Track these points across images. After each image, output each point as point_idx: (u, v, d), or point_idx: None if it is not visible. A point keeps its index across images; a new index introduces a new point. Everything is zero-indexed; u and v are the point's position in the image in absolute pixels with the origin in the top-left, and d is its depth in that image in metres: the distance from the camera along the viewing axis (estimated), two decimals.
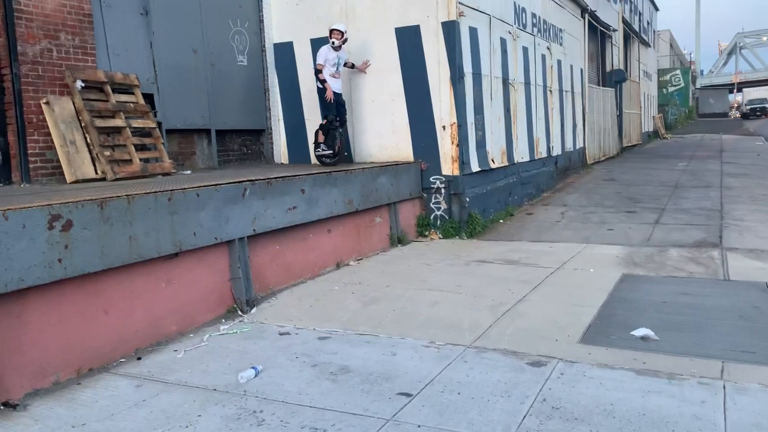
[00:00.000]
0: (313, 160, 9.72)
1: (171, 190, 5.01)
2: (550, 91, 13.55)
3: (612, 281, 6.34)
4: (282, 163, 10.08)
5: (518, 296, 5.89)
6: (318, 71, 8.54)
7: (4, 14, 6.40)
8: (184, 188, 5.14)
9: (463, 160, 9.01)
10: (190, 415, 3.69)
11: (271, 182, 6.11)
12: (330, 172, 7.12)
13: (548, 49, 13.36)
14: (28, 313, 4.04)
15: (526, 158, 11.91)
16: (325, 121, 8.70)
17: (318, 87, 8.70)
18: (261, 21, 9.93)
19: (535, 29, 12.55)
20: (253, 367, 4.26)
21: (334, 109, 8.64)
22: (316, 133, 8.85)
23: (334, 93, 8.57)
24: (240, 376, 4.16)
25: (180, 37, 8.51)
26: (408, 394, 3.86)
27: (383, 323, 5.25)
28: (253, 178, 5.94)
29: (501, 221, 10.03)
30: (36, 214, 3.96)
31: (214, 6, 9.06)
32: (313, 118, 9.74)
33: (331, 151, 8.66)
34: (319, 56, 8.53)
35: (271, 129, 10.17)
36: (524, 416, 3.55)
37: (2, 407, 3.83)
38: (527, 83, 11.97)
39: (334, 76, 8.63)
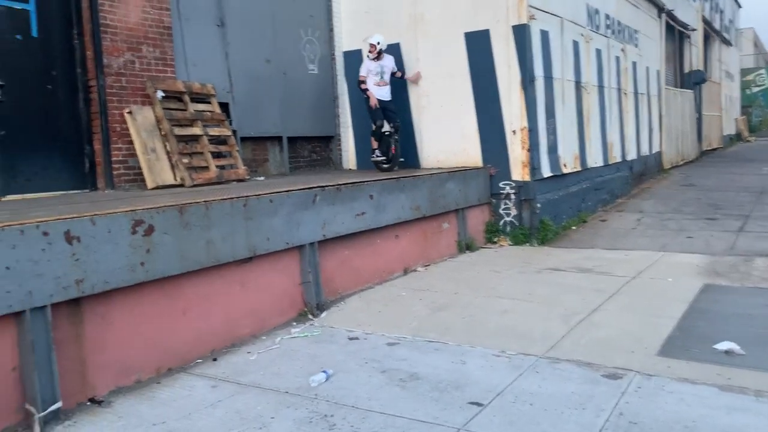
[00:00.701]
0: None
1: (246, 197, 5.15)
2: (625, 93, 13.13)
3: (692, 291, 6.06)
4: (350, 169, 10.19)
5: (592, 306, 5.73)
6: (360, 82, 9.04)
7: (92, 29, 6.76)
8: (258, 194, 5.27)
9: (533, 165, 8.85)
10: (264, 417, 3.76)
11: (341, 188, 6.18)
12: (398, 178, 7.14)
13: (623, 50, 12.96)
14: (112, 314, 4.24)
15: (600, 163, 11.58)
16: (374, 127, 8.96)
17: (364, 97, 9.06)
18: (331, 30, 10.10)
19: (609, 31, 12.20)
20: (323, 371, 4.31)
21: (382, 115, 8.90)
22: (371, 139, 9.09)
23: (381, 100, 8.91)
24: (311, 380, 4.22)
25: (254, 48, 8.75)
26: (479, 404, 3.81)
27: (452, 331, 5.21)
28: (323, 184, 6.04)
29: (573, 228, 9.79)
30: (120, 220, 4.15)
31: (286, 16, 9.29)
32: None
33: (384, 157, 8.90)
34: (361, 68, 9.07)
35: (340, 135, 10.31)
36: (600, 430, 3.44)
37: (88, 403, 4.03)
38: (601, 86, 11.65)
39: (378, 85, 8.96)
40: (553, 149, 9.56)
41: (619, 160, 12.72)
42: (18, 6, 6.36)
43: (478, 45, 8.99)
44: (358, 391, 4.07)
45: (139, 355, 4.41)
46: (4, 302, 3.52)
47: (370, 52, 8.95)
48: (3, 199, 6.16)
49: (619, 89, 12.75)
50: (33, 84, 6.49)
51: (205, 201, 4.77)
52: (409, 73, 9.48)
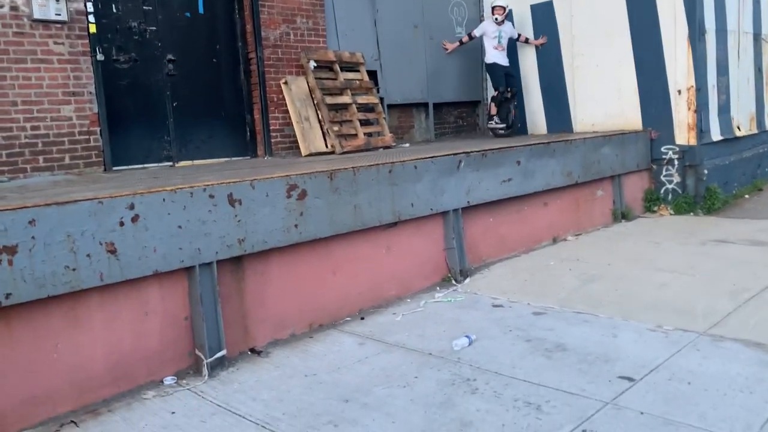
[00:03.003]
0: (531, 131, 9.50)
1: (392, 163, 5.24)
2: None
3: None
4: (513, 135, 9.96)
5: (765, 282, 5.18)
6: (468, 35, 9.18)
7: (251, 3, 7.16)
8: (403, 161, 5.33)
9: (701, 128, 8.09)
10: (407, 375, 3.86)
11: (486, 154, 6.07)
12: (548, 142, 6.87)
13: None
14: (270, 272, 4.53)
15: None
16: (496, 93, 8.79)
17: (486, 63, 8.99)
18: None
19: None
20: (466, 336, 4.32)
21: (504, 81, 8.74)
22: (489, 105, 8.97)
23: (501, 65, 8.80)
24: (454, 344, 4.24)
25: (401, 14, 8.79)
26: (630, 378, 3.62)
27: (603, 303, 4.98)
28: (468, 150, 5.96)
29: (746, 196, 8.87)
30: (276, 184, 4.40)
31: None
32: (530, 88, 9.46)
33: (504, 124, 8.76)
34: (477, 28, 9.02)
35: (486, 101, 10.10)
36: None
37: (249, 353, 4.37)
38: None
39: (496, 49, 8.78)
40: (724, 110, 8.67)
41: None
42: None
43: None
44: (502, 358, 4.03)
45: (293, 310, 4.69)
46: (177, 258, 3.90)
47: (496, 13, 8.76)
48: (177, 165, 6.79)
49: None
50: (200, 58, 7.03)
51: (353, 167, 4.91)
52: (539, 39, 9.25)
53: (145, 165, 6.58)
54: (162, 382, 3.95)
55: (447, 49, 9.36)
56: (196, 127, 6.98)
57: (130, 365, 3.86)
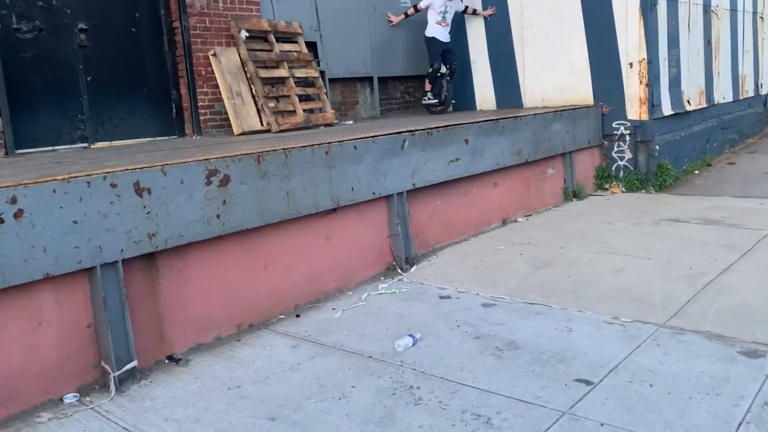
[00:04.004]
0: (479, 106, 9.14)
1: (328, 143, 4.75)
2: (761, 18, 11.49)
3: None
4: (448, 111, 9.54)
5: (723, 265, 4.95)
6: (413, 8, 8.70)
7: None
8: (342, 140, 4.85)
9: (652, 102, 7.86)
10: (344, 385, 3.44)
11: (432, 132, 5.65)
12: (497, 119, 6.48)
13: None
14: (189, 269, 4.02)
15: (729, 98, 10.26)
16: (431, 69, 8.53)
17: (426, 36, 8.61)
18: None
19: None
20: (410, 335, 3.92)
21: (440, 58, 8.46)
22: (424, 81, 8.73)
23: (441, 41, 8.46)
24: (397, 345, 3.84)
25: None
26: (588, 382, 3.29)
27: (557, 291, 4.65)
28: (413, 129, 5.52)
29: (696, 172, 8.75)
30: (194, 169, 3.87)
31: None
32: (480, 61, 9.06)
33: (436, 100, 8.55)
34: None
35: None
36: (740, 423, 2.84)
37: (167, 360, 3.87)
38: (733, 9, 10.20)
39: (439, 24, 8.40)
40: (675, 84, 8.46)
41: (751, 94, 11.26)
42: None
43: None
44: (449, 360, 3.66)
45: (219, 311, 4.20)
46: (73, 258, 3.35)
47: None
48: (93, 146, 6.13)
49: (754, 12, 11.15)
50: (117, 27, 6.34)
51: (284, 149, 4.41)
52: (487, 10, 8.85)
53: (56, 147, 5.91)
54: (62, 400, 3.43)
55: (392, 22, 8.87)
56: (115, 104, 6.31)
57: (22, 383, 3.32)
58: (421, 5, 8.58)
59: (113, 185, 3.50)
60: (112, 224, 3.50)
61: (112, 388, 3.50)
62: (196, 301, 4.07)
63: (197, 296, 4.07)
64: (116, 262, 3.53)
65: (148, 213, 3.65)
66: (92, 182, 3.41)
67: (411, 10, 8.75)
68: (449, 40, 8.59)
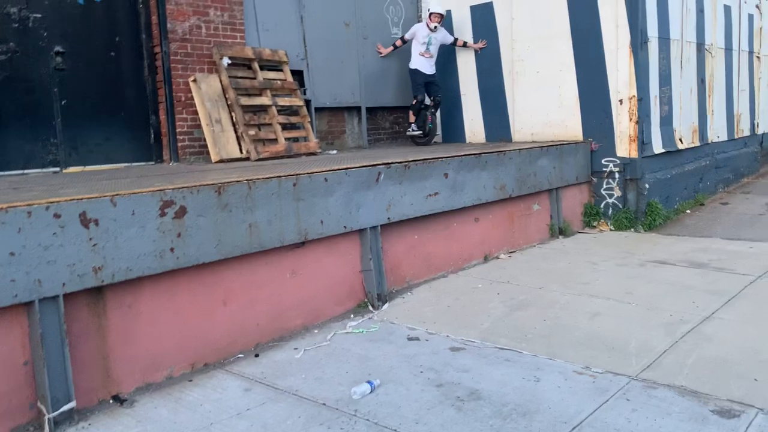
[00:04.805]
0: (469, 139, 9.04)
1: (296, 175, 4.60)
2: (758, 57, 11.43)
3: None
4: (435, 143, 9.42)
5: (705, 312, 4.75)
6: (401, 39, 8.76)
7: None
8: (311, 172, 4.70)
9: (642, 140, 7.72)
10: None
11: (410, 165, 5.50)
12: (479, 153, 6.34)
13: (757, 7, 11.23)
14: (140, 304, 3.84)
15: (723, 137, 10.12)
16: (414, 101, 8.54)
17: (409, 68, 8.61)
18: None
19: None
20: (368, 382, 3.72)
21: (423, 90, 8.46)
22: (409, 113, 8.76)
23: (424, 73, 8.45)
24: (353, 391, 3.64)
25: (331, 10, 8.18)
26: None
27: (529, 336, 4.45)
28: (389, 161, 5.38)
29: (688, 212, 8.57)
30: (146, 200, 3.72)
31: None
32: (469, 93, 8.98)
33: (420, 132, 8.56)
34: (409, 31, 8.58)
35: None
36: None
37: (111, 401, 3.68)
38: (728, 49, 10.12)
39: (423, 55, 8.39)
40: (667, 121, 8.34)
41: (747, 134, 11.13)
42: None
43: (582, 1, 7.89)
44: (405, 410, 3.45)
45: (173, 348, 4.01)
46: (8, 292, 3.17)
47: (432, 21, 8.30)
48: (66, 170, 6.00)
49: (750, 52, 11.08)
50: (96, 51, 6.26)
51: (247, 180, 4.26)
52: (477, 43, 8.81)
53: (26, 171, 5.79)
54: None
55: (381, 53, 8.81)
56: (90, 129, 6.20)
57: None
58: (407, 36, 8.62)
59: (57, 215, 3.34)
60: (54, 257, 3.33)
61: (47, 430, 3.30)
62: (147, 338, 3.88)
63: (148, 333, 3.89)
64: (57, 296, 3.35)
65: (94, 245, 3.49)
66: (33, 212, 3.25)
67: (399, 42, 8.77)
68: (433, 71, 8.58)
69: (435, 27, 8.31)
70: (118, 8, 6.40)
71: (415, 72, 8.45)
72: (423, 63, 8.42)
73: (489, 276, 6.02)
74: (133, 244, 3.65)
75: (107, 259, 3.54)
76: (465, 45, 8.70)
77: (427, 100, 8.60)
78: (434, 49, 8.43)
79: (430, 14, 8.29)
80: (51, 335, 3.34)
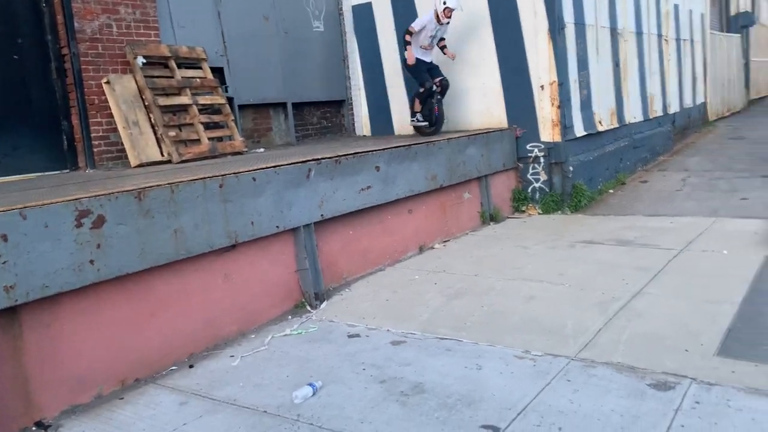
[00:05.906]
0: (398, 131, 9.00)
1: (222, 175, 4.43)
2: (666, 40, 11.94)
3: (753, 267, 5.18)
4: (364, 136, 9.37)
5: (634, 288, 4.90)
6: (408, 33, 7.56)
7: None
8: (237, 172, 4.54)
9: (565, 124, 7.91)
10: None
11: (340, 160, 5.41)
12: (409, 145, 6.32)
13: None
14: (60, 322, 3.60)
15: (639, 118, 10.53)
16: (422, 89, 7.70)
17: (408, 64, 7.74)
18: None
19: None
20: (310, 384, 3.62)
21: (428, 76, 7.69)
22: (412, 100, 7.94)
23: (425, 61, 7.70)
24: (295, 396, 3.53)
25: (249, 4, 7.95)
26: (495, 428, 3.08)
27: (468, 324, 4.46)
28: (319, 157, 5.27)
29: (610, 191, 8.86)
30: (60, 211, 3.47)
31: None
32: (396, 86, 8.95)
33: (427, 122, 7.80)
34: (417, 22, 7.59)
35: (351, 99, 9.48)
36: None
37: (34, 428, 3.43)
38: (639, 33, 10.51)
39: (424, 48, 7.68)
40: (586, 105, 8.58)
41: (660, 114, 11.62)
42: None
43: None
44: (349, 410, 3.37)
45: (99, 366, 3.78)
46: None
47: (446, 16, 7.49)
48: None
49: (659, 35, 11.56)
50: None
51: (169, 184, 4.06)
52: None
53: None
54: None
55: (412, 60, 7.68)
56: None
57: None
58: (416, 28, 7.58)
59: None
60: None
61: None
62: (70, 358, 3.64)
63: (71, 352, 3.65)
64: None
65: (4, 263, 3.23)
66: None
67: (408, 37, 7.66)
68: (432, 59, 7.91)
69: (443, 20, 7.55)
70: (17, 8, 5.97)
71: (417, 61, 7.69)
72: (423, 54, 7.75)
73: (425, 267, 6.01)
74: (49, 259, 3.41)
75: (20, 277, 3.29)
76: (443, 48, 7.99)
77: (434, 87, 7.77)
78: (435, 42, 7.86)
79: (445, 9, 7.49)
80: None
